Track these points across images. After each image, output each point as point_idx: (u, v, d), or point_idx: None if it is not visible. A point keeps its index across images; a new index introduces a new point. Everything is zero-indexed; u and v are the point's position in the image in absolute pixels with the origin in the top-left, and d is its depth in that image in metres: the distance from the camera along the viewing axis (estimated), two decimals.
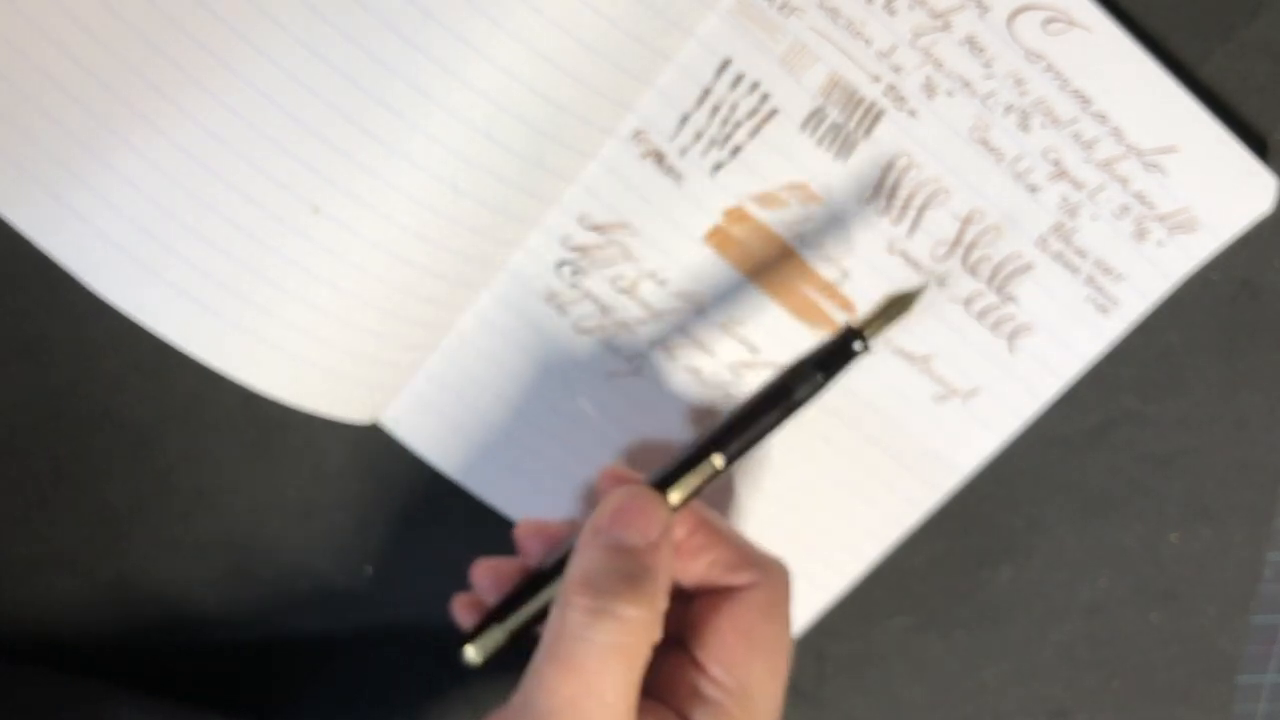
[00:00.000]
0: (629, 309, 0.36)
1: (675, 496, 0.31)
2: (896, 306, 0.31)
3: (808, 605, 0.39)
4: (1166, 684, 0.40)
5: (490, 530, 0.38)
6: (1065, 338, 0.36)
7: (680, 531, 0.31)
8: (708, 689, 0.30)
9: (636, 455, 0.37)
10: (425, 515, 0.38)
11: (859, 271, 0.35)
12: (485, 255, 0.35)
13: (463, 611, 0.33)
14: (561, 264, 0.35)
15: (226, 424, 0.37)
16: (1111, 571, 0.39)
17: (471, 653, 0.32)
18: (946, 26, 0.33)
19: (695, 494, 0.31)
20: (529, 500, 0.38)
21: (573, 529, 0.33)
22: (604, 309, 0.36)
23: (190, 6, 0.31)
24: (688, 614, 0.31)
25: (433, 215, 0.33)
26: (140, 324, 0.33)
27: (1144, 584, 0.39)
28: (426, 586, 0.38)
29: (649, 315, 0.36)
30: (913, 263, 0.35)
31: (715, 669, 0.30)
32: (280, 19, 0.31)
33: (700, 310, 0.36)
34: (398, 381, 0.36)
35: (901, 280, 0.35)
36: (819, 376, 0.31)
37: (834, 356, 0.31)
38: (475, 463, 0.37)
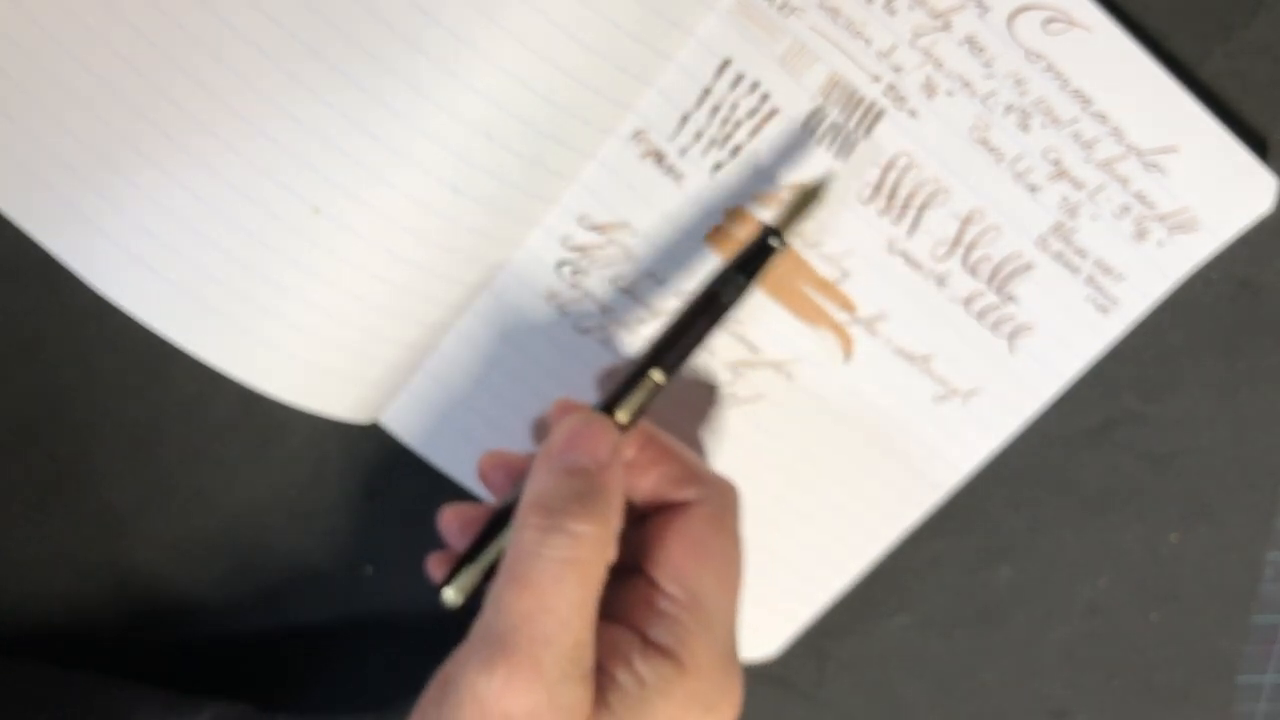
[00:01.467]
0: (629, 309, 0.36)
1: (622, 416, 0.31)
2: (806, 198, 0.32)
3: (808, 605, 0.39)
4: (1166, 684, 0.40)
5: None
6: (1065, 338, 0.36)
7: (630, 449, 0.32)
8: (662, 603, 0.30)
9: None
10: (425, 515, 0.38)
11: (859, 271, 0.35)
12: (485, 255, 0.35)
13: (436, 568, 0.34)
14: (561, 264, 0.35)
15: (226, 424, 0.37)
16: (1111, 571, 0.39)
17: (450, 594, 0.32)
18: (946, 26, 0.33)
19: (641, 412, 0.32)
20: None
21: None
22: (604, 309, 0.36)
23: (191, 7, 0.31)
24: (641, 536, 0.32)
25: (432, 215, 0.33)
26: (141, 322, 0.33)
27: (1144, 584, 0.39)
28: (426, 586, 0.38)
29: (649, 315, 0.36)
30: (913, 263, 0.35)
31: (668, 584, 0.30)
32: (280, 19, 0.31)
33: None
34: (398, 381, 0.36)
35: (902, 280, 0.35)
36: (741, 279, 0.32)
37: (753, 257, 0.32)
38: (475, 463, 0.37)
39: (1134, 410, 0.37)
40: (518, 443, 0.37)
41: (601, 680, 0.29)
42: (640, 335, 0.36)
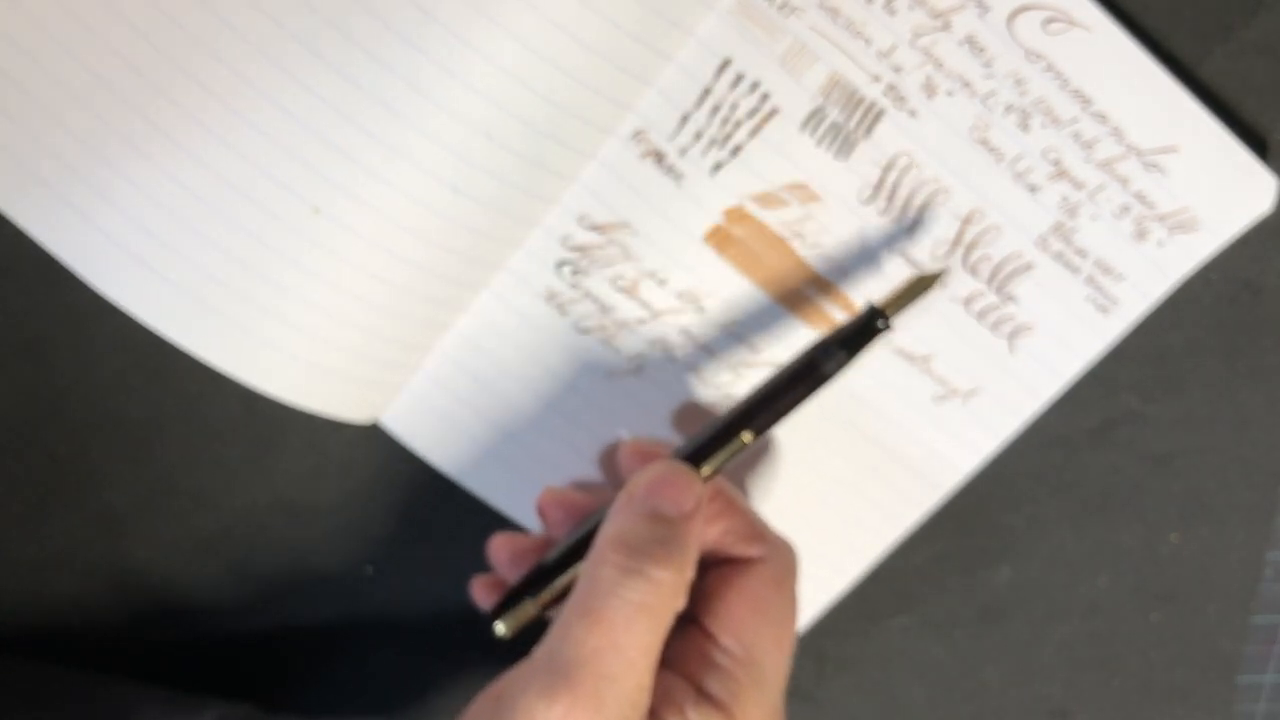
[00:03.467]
0: (629, 309, 0.36)
1: (706, 470, 0.32)
2: (918, 286, 0.33)
3: (808, 605, 0.39)
4: (1166, 684, 0.40)
5: (490, 530, 0.38)
6: (1065, 338, 0.36)
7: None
8: (718, 657, 0.31)
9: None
10: (425, 515, 0.38)
11: (859, 271, 0.35)
12: (485, 255, 0.35)
13: (481, 591, 0.34)
14: (561, 264, 0.35)
15: (226, 424, 0.37)
16: (1111, 571, 0.39)
17: (501, 628, 0.32)
18: (946, 26, 0.33)
19: (720, 468, 0.32)
20: (529, 499, 0.38)
21: (597, 501, 0.34)
22: (604, 309, 0.36)
23: (190, 6, 0.31)
24: (700, 588, 0.32)
25: (432, 215, 0.33)
26: (141, 322, 0.33)
27: (1144, 584, 0.39)
28: (426, 586, 0.38)
29: (649, 315, 0.36)
30: (913, 263, 0.35)
31: (725, 638, 0.31)
32: (279, 18, 0.31)
33: (700, 310, 0.36)
34: (398, 381, 0.36)
35: (901, 280, 0.35)
36: (843, 354, 0.32)
37: (858, 335, 0.32)
38: (475, 463, 0.37)
39: (1134, 410, 0.37)
40: (516, 442, 0.37)
41: None
42: (640, 335, 0.36)
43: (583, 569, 0.30)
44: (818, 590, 0.39)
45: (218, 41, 0.32)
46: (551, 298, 0.36)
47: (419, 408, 0.37)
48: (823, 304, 0.36)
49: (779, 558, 0.33)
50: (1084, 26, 0.33)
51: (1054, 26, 0.33)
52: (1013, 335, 0.36)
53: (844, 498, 0.38)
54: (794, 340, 0.36)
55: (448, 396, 0.37)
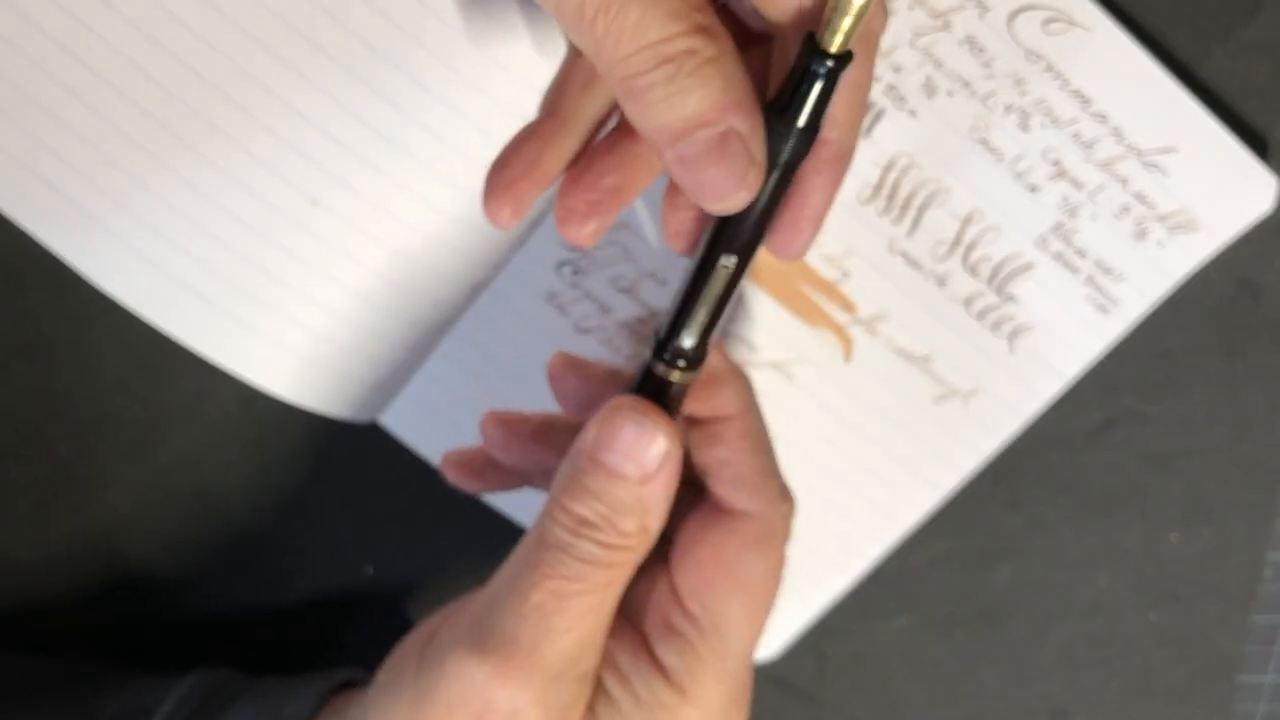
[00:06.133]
0: (629, 309, 0.36)
1: (688, 341, 0.26)
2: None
3: (809, 604, 0.39)
4: (1166, 684, 0.40)
5: (490, 530, 0.38)
6: (1065, 338, 0.36)
7: (705, 404, 0.28)
8: (679, 622, 0.28)
9: None
10: (425, 515, 0.38)
11: (859, 271, 0.35)
12: (485, 254, 0.35)
13: (453, 470, 0.32)
14: (561, 264, 0.35)
15: (226, 424, 0.37)
16: (1111, 571, 0.39)
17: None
18: (946, 26, 0.33)
19: (709, 329, 0.26)
20: (529, 499, 0.38)
21: (610, 381, 0.30)
22: (604, 309, 0.36)
23: (192, 2, 0.31)
24: (678, 525, 0.29)
25: (431, 211, 0.33)
26: (140, 317, 0.33)
27: (1144, 584, 0.39)
28: (426, 586, 0.38)
29: (649, 315, 0.36)
30: (913, 263, 0.35)
31: (691, 602, 0.28)
32: (277, 9, 0.31)
33: None
34: (398, 381, 0.36)
35: (902, 280, 0.35)
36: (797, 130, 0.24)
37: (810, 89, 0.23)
38: None
39: (1134, 410, 0.37)
40: None
41: (595, 687, 0.27)
42: (640, 335, 0.36)
43: (536, 518, 0.27)
44: (818, 590, 0.39)
45: (216, 34, 0.32)
46: (551, 298, 0.36)
47: (419, 407, 0.37)
48: (823, 304, 0.36)
49: (768, 516, 0.28)
50: (1084, 26, 0.33)
51: (1054, 26, 0.33)
52: (1013, 335, 0.36)
53: (844, 498, 0.38)
54: (793, 340, 0.36)
55: (448, 396, 0.37)
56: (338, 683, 0.32)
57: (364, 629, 0.39)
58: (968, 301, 0.36)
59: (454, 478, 0.33)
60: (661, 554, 0.28)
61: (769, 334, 0.36)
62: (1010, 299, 0.36)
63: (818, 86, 0.23)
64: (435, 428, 0.37)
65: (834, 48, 0.23)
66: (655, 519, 0.27)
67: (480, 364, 0.36)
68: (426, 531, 0.38)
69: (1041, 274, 0.35)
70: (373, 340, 0.35)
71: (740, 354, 0.36)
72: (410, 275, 0.34)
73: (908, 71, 0.33)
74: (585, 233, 0.26)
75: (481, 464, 0.32)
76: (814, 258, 0.35)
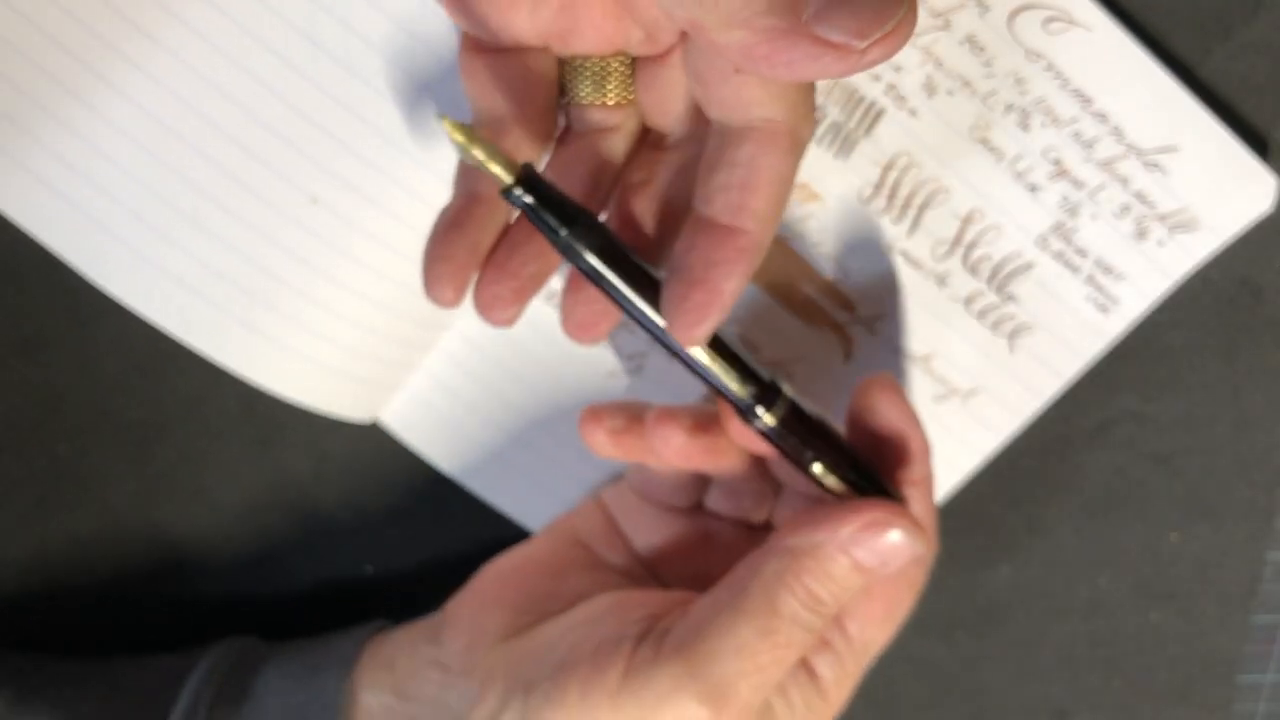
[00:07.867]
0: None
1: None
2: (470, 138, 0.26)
3: None
4: (1166, 684, 0.40)
5: (490, 530, 0.38)
6: (1065, 337, 0.36)
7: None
8: (836, 638, 0.31)
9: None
10: (425, 515, 0.38)
11: (859, 271, 0.35)
12: None
13: (599, 434, 0.33)
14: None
15: (226, 424, 0.37)
16: (1111, 571, 0.39)
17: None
18: (946, 25, 0.33)
19: (736, 358, 0.30)
20: (529, 500, 0.38)
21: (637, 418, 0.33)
22: None
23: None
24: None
25: (432, 210, 0.33)
26: (141, 316, 0.33)
27: (1144, 584, 0.39)
28: (426, 586, 0.38)
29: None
30: (913, 262, 0.35)
31: (852, 625, 0.31)
32: (276, 6, 0.31)
33: None
34: (398, 380, 0.36)
35: (902, 280, 0.35)
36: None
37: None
38: (475, 462, 0.37)
39: (1134, 410, 0.37)
40: (516, 441, 0.37)
41: None
42: (640, 335, 0.36)
43: (758, 569, 0.29)
44: None
45: (215, 29, 0.32)
46: (551, 297, 0.36)
47: (419, 407, 0.37)
48: (823, 304, 0.36)
49: (925, 564, 0.32)
50: (1084, 26, 0.33)
51: (1054, 26, 0.33)
52: (1013, 335, 0.36)
53: None
54: (793, 340, 0.36)
55: (448, 396, 0.37)
56: (372, 630, 0.35)
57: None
58: (968, 301, 0.36)
59: (593, 441, 0.34)
60: None
61: (769, 333, 0.36)
62: (1010, 298, 0.36)
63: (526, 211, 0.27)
64: (435, 427, 0.37)
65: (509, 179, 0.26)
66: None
67: (480, 363, 0.36)
68: (426, 531, 0.38)
69: (1042, 273, 0.35)
70: (373, 340, 0.35)
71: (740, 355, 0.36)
72: (410, 274, 0.34)
73: (908, 71, 0.33)
74: (509, 315, 0.29)
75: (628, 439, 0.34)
76: (814, 257, 0.35)
